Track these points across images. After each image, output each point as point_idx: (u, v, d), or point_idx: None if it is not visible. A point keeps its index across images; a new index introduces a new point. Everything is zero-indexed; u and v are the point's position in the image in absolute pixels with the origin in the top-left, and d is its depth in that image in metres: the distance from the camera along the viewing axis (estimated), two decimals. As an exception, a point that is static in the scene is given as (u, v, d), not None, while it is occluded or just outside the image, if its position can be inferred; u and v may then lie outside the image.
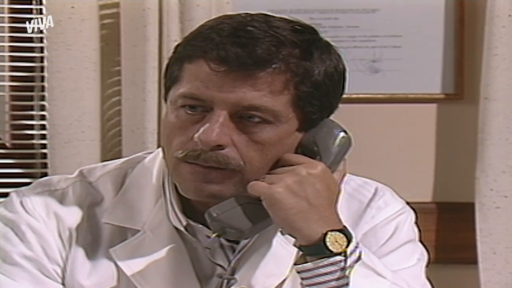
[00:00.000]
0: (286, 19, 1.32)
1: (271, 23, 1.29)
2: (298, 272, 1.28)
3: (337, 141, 1.33)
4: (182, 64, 1.30)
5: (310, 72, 1.29)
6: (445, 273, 2.37)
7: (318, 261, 1.25)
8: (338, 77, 1.33)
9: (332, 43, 1.35)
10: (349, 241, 1.26)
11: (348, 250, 1.25)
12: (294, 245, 1.34)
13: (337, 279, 1.25)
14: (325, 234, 1.25)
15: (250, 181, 1.29)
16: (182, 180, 1.31)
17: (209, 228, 1.33)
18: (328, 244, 1.25)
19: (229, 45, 1.25)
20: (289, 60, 1.27)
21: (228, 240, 1.36)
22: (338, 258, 1.25)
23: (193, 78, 1.28)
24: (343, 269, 1.25)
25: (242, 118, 1.28)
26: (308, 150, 1.32)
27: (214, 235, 1.29)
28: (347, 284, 1.25)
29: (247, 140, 1.28)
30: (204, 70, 1.27)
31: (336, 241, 1.25)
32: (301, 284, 1.29)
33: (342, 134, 1.34)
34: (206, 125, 1.26)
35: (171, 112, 1.31)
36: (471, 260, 2.41)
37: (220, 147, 1.27)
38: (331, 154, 1.33)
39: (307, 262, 1.27)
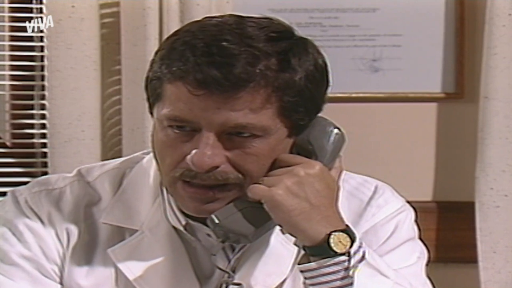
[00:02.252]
0: (259, 22, 1.29)
1: (245, 33, 1.26)
2: (302, 272, 1.28)
3: (331, 138, 1.33)
4: (162, 83, 1.28)
5: (291, 83, 1.27)
6: (445, 272, 2.37)
7: (322, 261, 1.25)
8: (320, 75, 1.31)
9: (308, 37, 1.32)
10: (352, 241, 1.26)
11: (352, 250, 1.25)
12: (295, 244, 1.34)
13: (341, 278, 1.25)
14: (329, 234, 1.25)
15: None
16: (180, 199, 1.31)
17: (208, 227, 1.33)
18: (332, 245, 1.25)
19: (205, 66, 1.23)
20: (267, 74, 1.25)
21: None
22: (342, 258, 1.25)
23: (175, 100, 1.26)
24: (347, 268, 1.25)
25: (231, 134, 1.26)
26: (303, 149, 1.32)
27: (218, 240, 1.29)
28: (351, 284, 1.24)
29: (241, 154, 1.27)
30: (184, 93, 1.25)
31: (340, 242, 1.25)
32: (304, 283, 1.29)
33: (335, 130, 1.33)
34: (197, 149, 1.25)
35: (160, 130, 1.30)
36: (471, 259, 2.41)
37: (215, 167, 1.26)
38: (327, 152, 1.32)
39: (310, 261, 1.27)
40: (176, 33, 1.31)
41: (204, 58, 1.23)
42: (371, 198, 1.44)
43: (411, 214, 1.47)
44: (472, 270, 2.42)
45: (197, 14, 2.28)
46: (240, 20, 1.29)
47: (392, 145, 2.49)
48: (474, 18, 2.44)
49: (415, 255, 1.43)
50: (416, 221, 1.48)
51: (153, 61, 1.32)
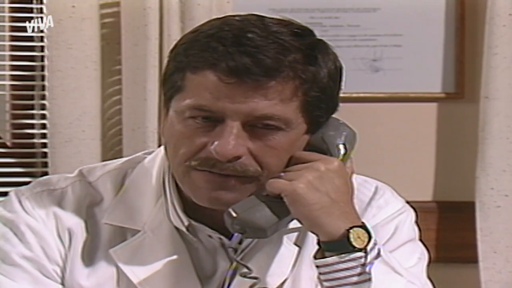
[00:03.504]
0: (280, 21, 1.30)
1: (269, 28, 1.27)
2: (317, 267, 1.28)
3: (344, 137, 1.34)
4: (185, 74, 1.28)
5: (317, 77, 1.28)
6: (445, 272, 2.37)
7: (339, 256, 1.25)
8: (338, 75, 1.34)
9: (327, 41, 1.34)
10: (369, 237, 1.26)
11: (369, 247, 1.25)
12: (295, 244, 1.34)
13: (358, 274, 1.25)
14: (348, 230, 1.25)
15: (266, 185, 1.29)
16: (195, 188, 1.31)
17: (210, 228, 1.33)
18: (352, 240, 1.25)
19: (236, 54, 1.24)
20: (296, 66, 1.26)
21: (230, 240, 1.35)
22: (359, 254, 1.25)
23: (201, 90, 1.26)
24: (363, 265, 1.25)
25: (254, 126, 1.27)
26: (317, 148, 1.32)
27: (237, 233, 1.28)
28: (369, 279, 1.25)
29: (262, 146, 1.27)
30: (212, 81, 1.25)
31: (359, 237, 1.25)
32: (319, 278, 1.28)
33: (348, 130, 1.35)
34: (221, 139, 1.25)
35: (178, 122, 1.29)
36: (472, 259, 2.41)
37: (237, 158, 1.27)
38: (340, 151, 1.33)
39: (325, 257, 1.27)
40: (195, 29, 1.32)
41: (234, 48, 1.24)
42: (371, 199, 1.44)
43: (412, 215, 1.47)
44: (472, 270, 2.42)
45: (197, 14, 2.28)
46: (262, 18, 1.30)
47: (392, 145, 2.50)
48: (475, 18, 2.44)
49: (416, 256, 1.43)
50: (416, 221, 1.48)
51: (175, 55, 1.31)
